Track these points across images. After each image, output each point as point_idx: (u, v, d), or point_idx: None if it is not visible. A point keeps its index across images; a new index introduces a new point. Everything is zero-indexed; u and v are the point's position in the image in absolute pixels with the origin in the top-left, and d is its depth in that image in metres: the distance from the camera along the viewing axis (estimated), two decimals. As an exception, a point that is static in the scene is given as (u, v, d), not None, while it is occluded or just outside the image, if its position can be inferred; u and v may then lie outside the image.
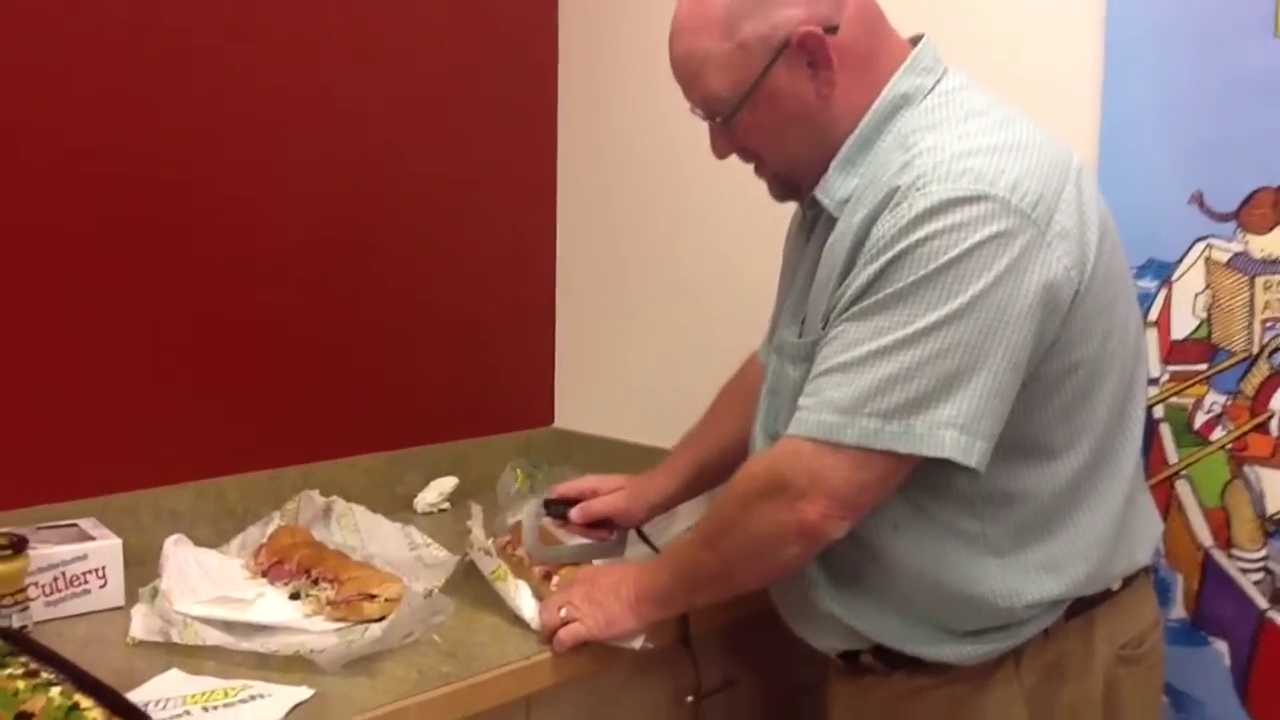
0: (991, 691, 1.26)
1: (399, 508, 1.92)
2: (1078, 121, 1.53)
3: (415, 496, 1.95)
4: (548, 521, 1.58)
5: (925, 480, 1.18)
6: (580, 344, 2.20)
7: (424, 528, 1.78)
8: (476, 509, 1.59)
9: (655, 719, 1.52)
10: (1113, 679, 1.27)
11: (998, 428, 1.14)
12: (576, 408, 2.20)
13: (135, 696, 1.15)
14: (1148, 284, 1.48)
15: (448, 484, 1.97)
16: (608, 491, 1.56)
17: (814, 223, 1.32)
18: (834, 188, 1.25)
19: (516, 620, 1.41)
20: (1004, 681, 1.26)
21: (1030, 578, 1.22)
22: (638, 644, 1.35)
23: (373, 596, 1.39)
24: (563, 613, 1.35)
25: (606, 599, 1.35)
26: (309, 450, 1.84)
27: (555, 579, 1.44)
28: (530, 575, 1.49)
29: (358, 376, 1.90)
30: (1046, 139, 1.20)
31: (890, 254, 1.13)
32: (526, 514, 1.54)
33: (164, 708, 1.15)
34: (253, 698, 1.18)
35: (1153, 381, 1.49)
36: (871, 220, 1.17)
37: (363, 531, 1.67)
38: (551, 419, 2.21)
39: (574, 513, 1.55)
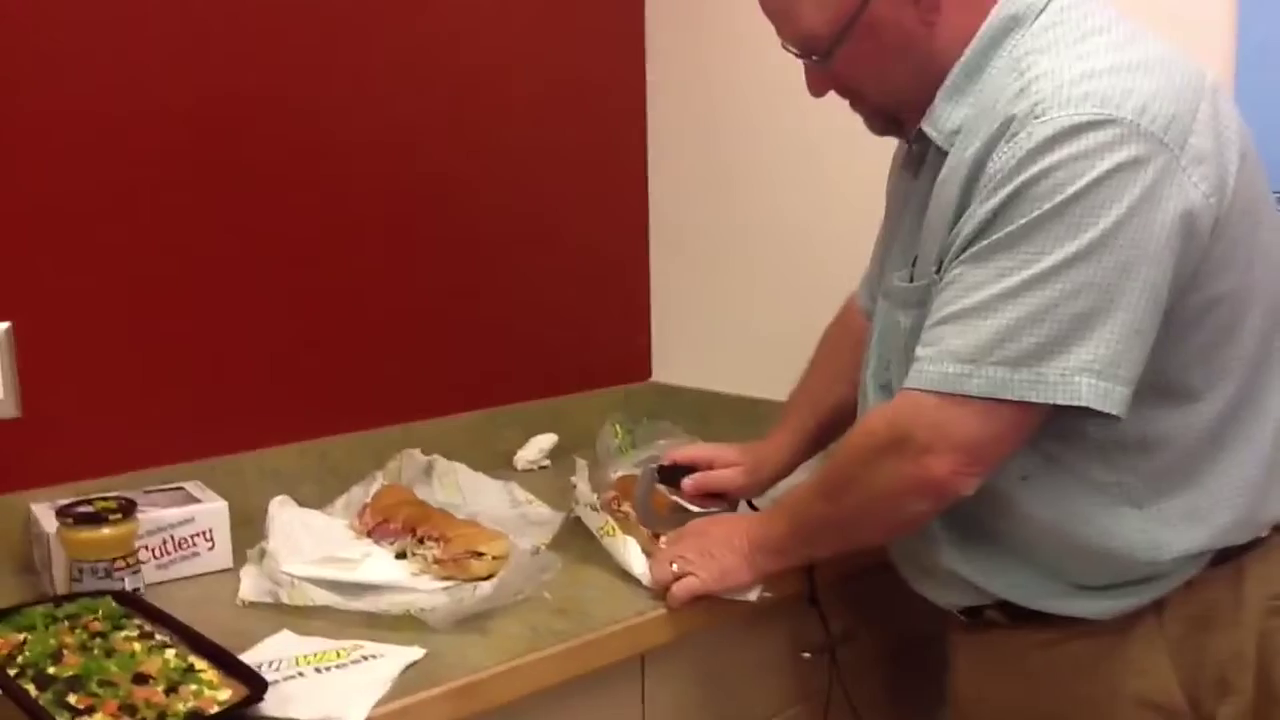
0: (1132, 644, 1.19)
1: (499, 465, 1.90)
2: (1212, 41, 1.44)
3: (515, 454, 1.92)
4: (660, 487, 1.53)
5: (1055, 428, 1.11)
6: (676, 296, 2.15)
7: (525, 485, 1.76)
8: (581, 464, 1.55)
9: (773, 674, 1.48)
10: (1266, 630, 1.20)
11: (1138, 371, 1.07)
12: (674, 361, 2.16)
13: (248, 658, 1.14)
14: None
15: (547, 441, 1.93)
16: (724, 465, 1.50)
17: (921, 157, 1.25)
18: (942, 119, 1.18)
19: (627, 576, 1.38)
20: (1146, 633, 1.19)
21: (1173, 528, 1.15)
22: (754, 595, 1.31)
23: (480, 554, 1.36)
24: (675, 567, 1.31)
25: (720, 551, 1.31)
26: (409, 408, 1.82)
27: (664, 538, 1.40)
28: (638, 532, 1.45)
29: (455, 333, 1.88)
30: (1176, 55, 1.12)
31: (1009, 188, 1.06)
32: (640, 479, 1.50)
33: (277, 668, 1.13)
34: (365, 658, 1.16)
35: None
36: (986, 153, 1.10)
37: (465, 489, 1.65)
38: (649, 373, 2.17)
39: (687, 484, 1.49)
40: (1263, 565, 1.21)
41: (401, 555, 1.47)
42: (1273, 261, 1.18)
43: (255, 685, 1.04)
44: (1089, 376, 1.05)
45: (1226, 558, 1.19)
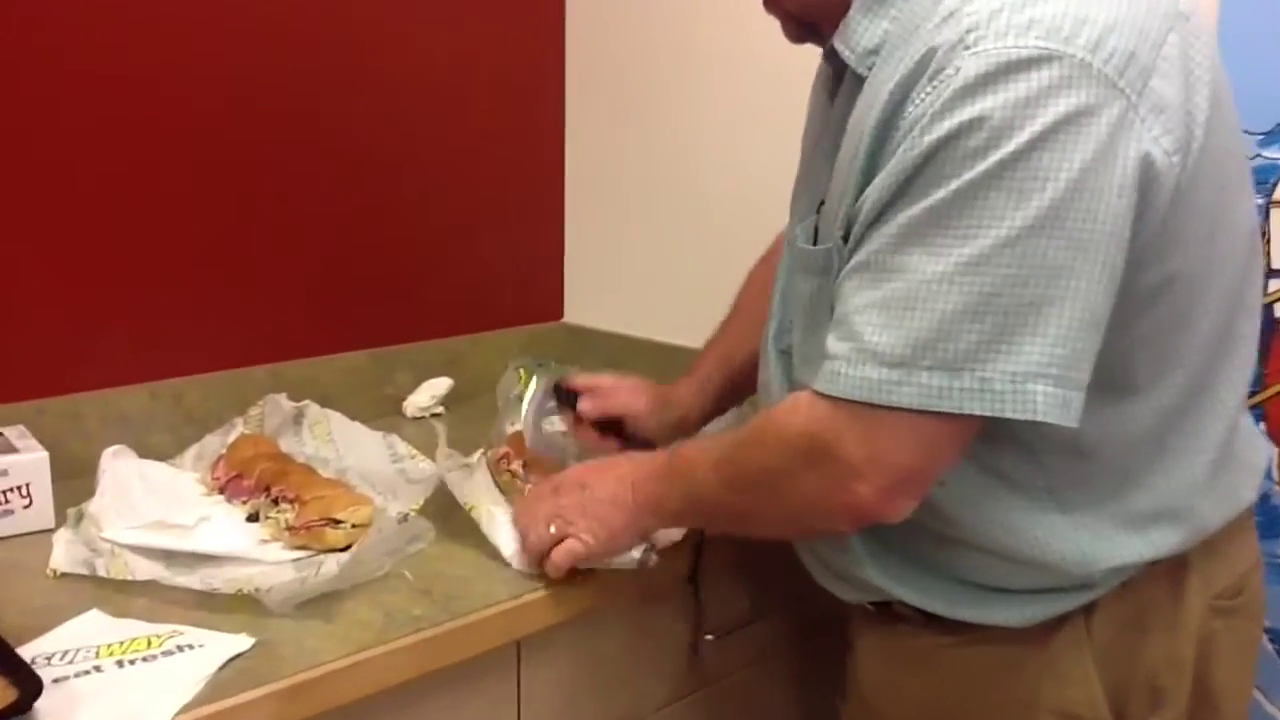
0: (1054, 649, 1.05)
1: (386, 412, 1.72)
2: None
3: (404, 399, 1.73)
4: (552, 408, 1.40)
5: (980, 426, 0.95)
6: (591, 232, 1.97)
7: (413, 436, 1.59)
8: (441, 428, 1.37)
9: (668, 662, 1.33)
10: (1207, 632, 1.06)
11: (1091, 369, 0.90)
12: (587, 301, 1.98)
13: (40, 645, 0.96)
14: (1273, 154, 1.22)
15: (441, 385, 1.75)
16: (624, 392, 1.37)
17: (838, 79, 1.06)
18: (856, 34, 0.99)
19: (508, 550, 1.21)
20: (1070, 637, 1.04)
21: (1107, 539, 1.01)
22: (637, 554, 1.14)
23: (338, 522, 1.19)
24: (553, 529, 1.14)
25: (605, 510, 1.13)
26: (282, 346, 1.63)
27: (529, 485, 1.23)
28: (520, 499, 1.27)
29: (340, 263, 1.68)
30: None
31: (932, 140, 0.87)
32: (531, 392, 1.37)
33: (70, 661, 0.95)
34: (180, 648, 0.98)
35: (1276, 274, 1.25)
36: (905, 91, 0.91)
37: (338, 441, 1.46)
38: (560, 313, 1.99)
39: (585, 406, 1.36)
40: (1206, 561, 1.06)
41: (254, 518, 1.29)
42: (1239, 231, 1.01)
43: (27, 687, 0.86)
44: (1044, 383, 0.87)
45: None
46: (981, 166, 0.85)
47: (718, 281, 1.42)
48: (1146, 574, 1.03)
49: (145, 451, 1.43)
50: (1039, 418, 0.87)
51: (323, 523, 1.18)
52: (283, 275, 1.62)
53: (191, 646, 0.99)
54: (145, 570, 1.12)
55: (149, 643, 0.99)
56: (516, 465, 1.34)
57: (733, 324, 1.40)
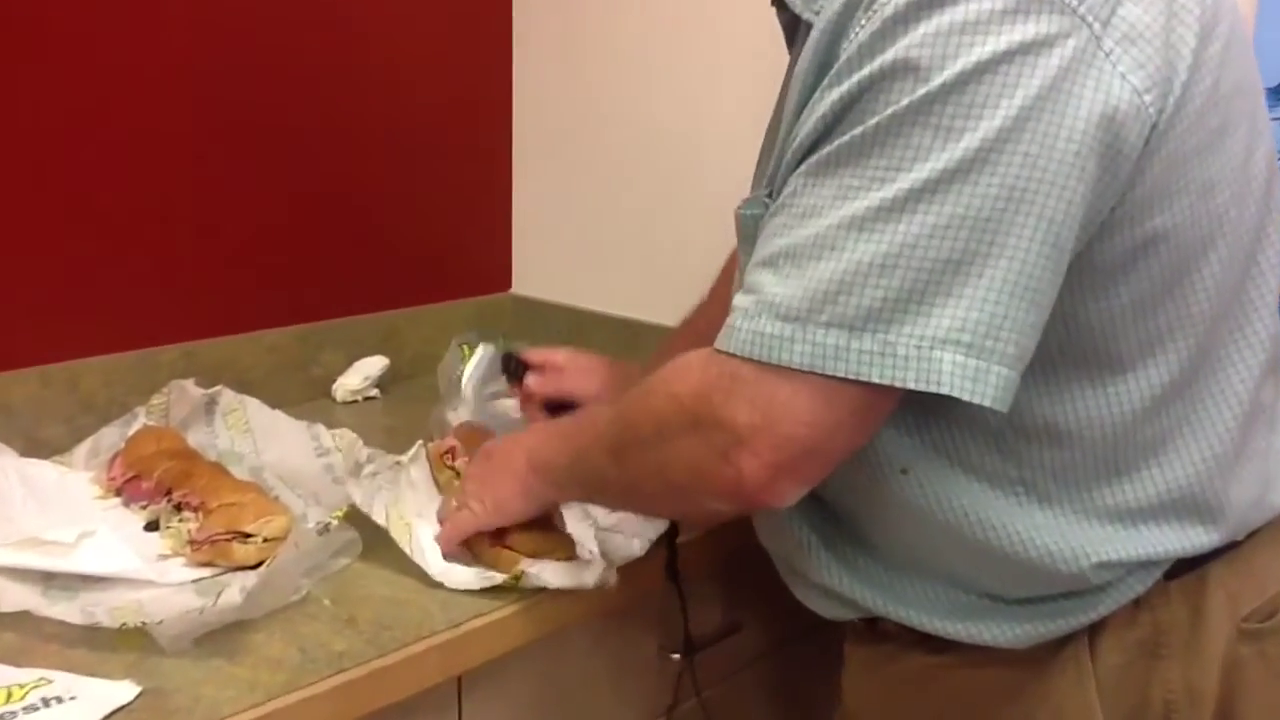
0: (1053, 676, 0.93)
1: (314, 395, 1.54)
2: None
3: (334, 382, 1.56)
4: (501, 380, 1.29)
5: (933, 407, 0.82)
6: (543, 197, 1.79)
7: (343, 423, 1.41)
8: (343, 436, 1.20)
9: (633, 683, 1.18)
10: (1234, 660, 0.93)
11: (1029, 341, 0.79)
12: (537, 271, 1.81)
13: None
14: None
15: (375, 365, 1.58)
16: (578, 370, 1.24)
17: (792, 32, 0.93)
18: None
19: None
20: (1072, 663, 0.93)
21: (1098, 530, 0.88)
22: (591, 580, 0.99)
23: (247, 535, 1.02)
24: (454, 503, 1.06)
25: (497, 478, 1.03)
26: (196, 322, 1.44)
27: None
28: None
29: (262, 228, 1.50)
30: None
31: (862, 74, 0.77)
32: (477, 357, 1.25)
33: (-93, 723, 0.78)
34: (46, 702, 0.81)
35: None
36: (840, 26, 0.81)
37: (256, 432, 1.29)
38: (508, 284, 1.82)
39: (531, 382, 1.25)
40: (1231, 577, 0.93)
41: (154, 526, 1.12)
42: (1252, 183, 0.88)
43: None
44: (954, 350, 0.76)
45: (1187, 566, 0.92)
46: (907, 100, 0.75)
47: (678, 253, 1.30)
48: (1159, 591, 0.91)
49: (35, 447, 1.26)
50: (944, 389, 0.75)
51: (229, 536, 1.02)
52: (197, 242, 1.43)
53: (60, 699, 0.82)
54: (14, 598, 0.94)
55: (8, 695, 0.82)
56: (461, 462, 1.17)
57: (708, 305, 1.26)
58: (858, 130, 0.77)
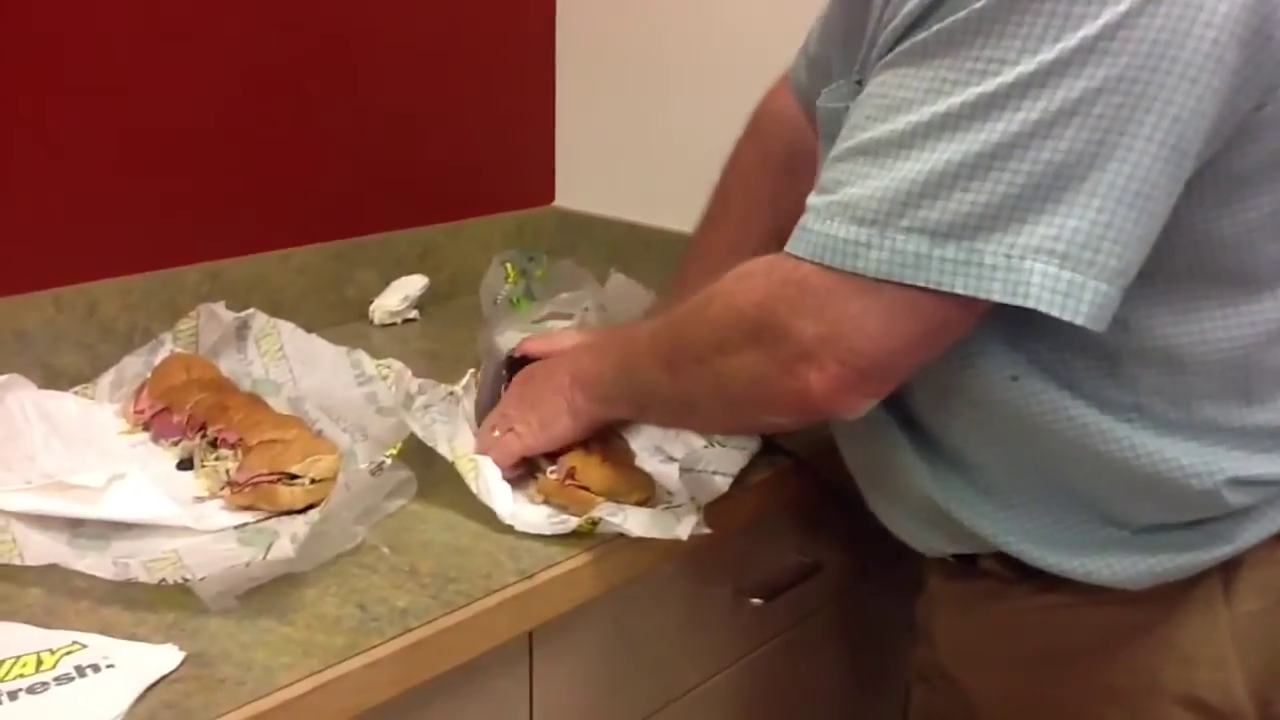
0: (1183, 619, 0.85)
1: (349, 318, 1.44)
2: None
3: (371, 303, 1.45)
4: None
5: (1034, 323, 0.72)
6: (587, 104, 1.66)
7: (382, 347, 1.32)
8: (388, 368, 1.09)
9: (706, 632, 1.09)
10: None
11: (1134, 255, 0.71)
12: (582, 183, 1.69)
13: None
14: None
15: (414, 284, 1.47)
16: None
17: None
18: None
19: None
20: (1204, 605, 0.84)
21: (1233, 447, 0.80)
22: (684, 531, 0.89)
23: (293, 477, 0.92)
24: (496, 431, 0.98)
25: (542, 394, 0.97)
26: (221, 240, 1.33)
27: (552, 468, 0.96)
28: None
29: (292, 139, 1.38)
30: None
31: None
32: (483, 376, 1.08)
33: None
34: (81, 670, 0.72)
35: None
36: None
37: (292, 359, 1.18)
38: (550, 196, 1.70)
39: None
40: None
41: (187, 464, 1.03)
42: None
43: None
44: (1046, 261, 0.69)
45: None
46: None
47: (718, 160, 1.17)
48: None
49: (53, 377, 1.17)
50: (1030, 303, 0.69)
51: (273, 478, 0.92)
52: (221, 152, 1.32)
53: (96, 668, 0.73)
54: (40, 550, 0.85)
55: (39, 662, 0.73)
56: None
57: (718, 218, 1.15)
58: (960, 14, 0.69)
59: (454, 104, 1.53)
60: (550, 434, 0.96)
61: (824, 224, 0.74)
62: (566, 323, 1.29)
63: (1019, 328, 0.77)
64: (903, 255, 0.71)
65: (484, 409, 1.06)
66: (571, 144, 1.69)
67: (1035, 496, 0.86)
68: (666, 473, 1.00)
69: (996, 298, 0.70)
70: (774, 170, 1.11)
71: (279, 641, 0.77)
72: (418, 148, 1.50)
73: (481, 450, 0.97)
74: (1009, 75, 0.68)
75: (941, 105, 0.70)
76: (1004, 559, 0.89)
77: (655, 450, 1.04)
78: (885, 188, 0.71)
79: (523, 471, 0.98)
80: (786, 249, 0.76)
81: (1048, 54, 0.67)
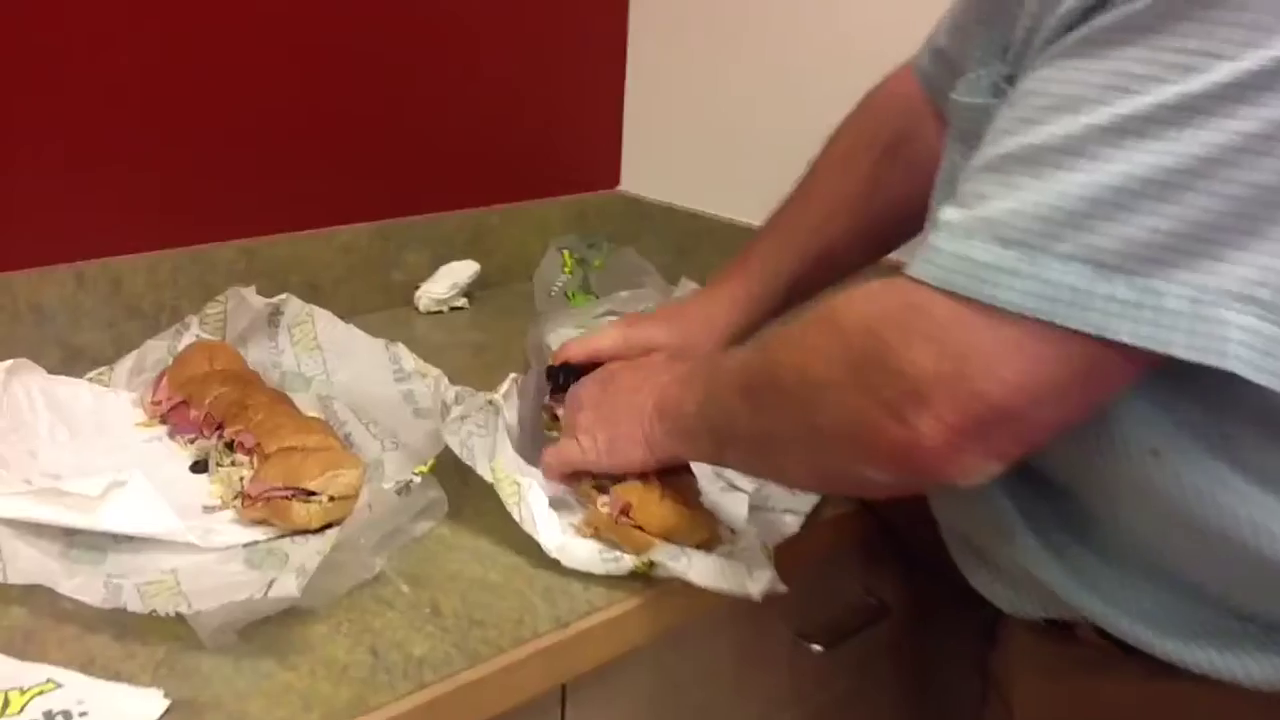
0: None
1: (393, 303, 1.35)
2: None
3: (417, 288, 1.36)
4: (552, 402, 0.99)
5: (1196, 381, 0.61)
6: (658, 82, 1.55)
7: (426, 335, 1.24)
8: (428, 373, 0.98)
9: (760, 684, 0.98)
10: None
11: None
12: (650, 166, 1.58)
13: None
14: None
15: (464, 271, 1.37)
16: (638, 348, 0.97)
17: None
18: None
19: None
20: None
21: None
22: (757, 588, 0.79)
23: (310, 494, 0.83)
24: (558, 437, 0.89)
25: (619, 409, 0.85)
26: (258, 216, 1.24)
27: (604, 499, 0.85)
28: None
29: (337, 110, 1.28)
30: None
31: None
32: (522, 388, 0.97)
33: None
34: (50, 717, 0.64)
35: None
36: None
37: (326, 350, 1.09)
38: (615, 180, 1.60)
39: None
40: None
41: (201, 467, 0.94)
42: None
43: None
44: (1246, 310, 0.56)
45: None
46: None
47: (809, 152, 1.04)
48: None
49: (73, 357, 1.09)
50: (1227, 364, 0.56)
51: (288, 493, 0.83)
52: (262, 124, 1.23)
53: (69, 715, 0.64)
54: (29, 565, 0.76)
55: (4, 704, 0.64)
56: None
57: (809, 190, 1.01)
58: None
59: (514, 76, 1.43)
60: (617, 460, 0.85)
61: (959, 243, 0.61)
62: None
63: (1169, 386, 0.65)
64: (1056, 288, 0.58)
65: (526, 420, 0.96)
66: (641, 124, 1.58)
67: (1158, 578, 0.73)
68: (728, 505, 0.89)
69: (1178, 353, 0.57)
70: (878, 149, 0.99)
71: (278, 690, 0.68)
72: (473, 122, 1.40)
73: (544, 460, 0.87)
74: (1221, 73, 0.56)
75: (1125, 106, 0.57)
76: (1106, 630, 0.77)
77: (717, 477, 0.94)
78: (1042, 204, 0.59)
79: (570, 488, 0.89)
80: (909, 271, 0.63)
81: (1273, 48, 0.55)
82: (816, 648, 0.97)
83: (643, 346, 0.98)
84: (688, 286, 1.22)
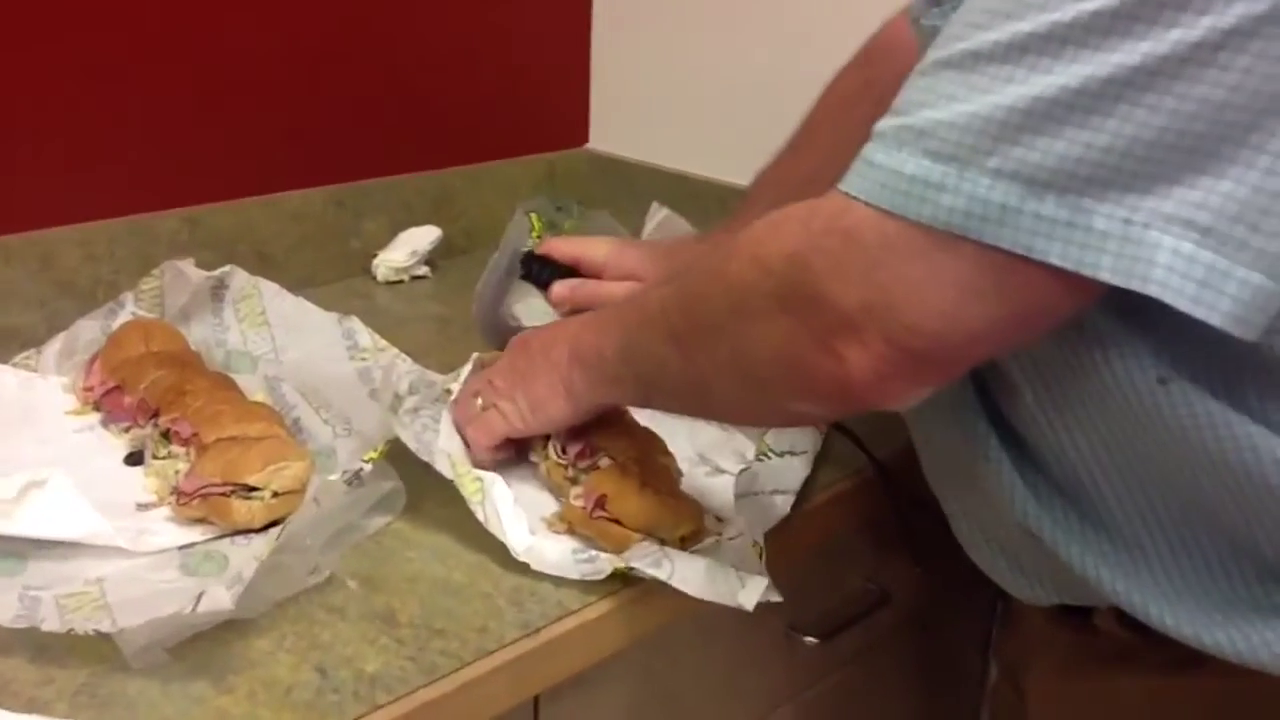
0: None
1: (350, 272, 1.26)
2: None
3: (375, 257, 1.27)
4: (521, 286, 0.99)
5: (1181, 320, 0.55)
6: (627, 33, 1.46)
7: (385, 311, 1.16)
8: (387, 355, 0.91)
9: (752, 679, 0.92)
10: None
11: None
12: (620, 123, 1.49)
13: None
14: None
15: (425, 237, 1.29)
16: (622, 276, 0.96)
17: None
18: None
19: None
20: None
21: None
22: (749, 599, 0.71)
23: (252, 490, 0.75)
24: (479, 401, 0.82)
25: (535, 366, 0.81)
26: (201, 182, 1.15)
27: (576, 491, 0.78)
28: (541, 454, 0.84)
29: (288, 65, 1.19)
30: None
31: None
32: (491, 266, 0.94)
33: None
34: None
35: None
36: None
37: (275, 326, 1.01)
38: (584, 138, 1.51)
39: (558, 289, 0.98)
40: None
41: (136, 459, 0.86)
42: None
43: None
44: (1179, 233, 0.52)
45: None
46: None
47: (788, 106, 0.99)
48: None
49: (2, 339, 1.00)
50: (1150, 289, 0.53)
51: (227, 489, 0.75)
52: (205, 81, 1.13)
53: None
54: (-68, 578, 0.69)
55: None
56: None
57: (804, 140, 0.98)
58: None
59: (473, 26, 1.34)
60: (542, 418, 0.80)
61: (888, 154, 0.57)
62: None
63: (1168, 315, 0.59)
64: (984, 205, 0.54)
65: (484, 309, 0.89)
66: (609, 76, 1.49)
67: (1174, 539, 0.67)
68: (714, 490, 0.82)
69: (1104, 276, 0.53)
70: (876, 99, 0.92)
71: (211, 717, 0.61)
72: (431, 77, 1.31)
73: (459, 419, 0.81)
74: None
75: (1069, 12, 0.52)
76: (1124, 617, 0.70)
77: (700, 460, 0.87)
78: (974, 114, 0.54)
79: (511, 454, 0.83)
80: (839, 185, 0.59)
81: None
82: (811, 640, 0.90)
83: (627, 271, 0.96)
84: (660, 213, 1.15)
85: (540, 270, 0.97)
